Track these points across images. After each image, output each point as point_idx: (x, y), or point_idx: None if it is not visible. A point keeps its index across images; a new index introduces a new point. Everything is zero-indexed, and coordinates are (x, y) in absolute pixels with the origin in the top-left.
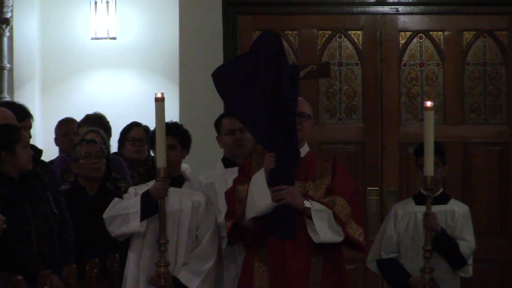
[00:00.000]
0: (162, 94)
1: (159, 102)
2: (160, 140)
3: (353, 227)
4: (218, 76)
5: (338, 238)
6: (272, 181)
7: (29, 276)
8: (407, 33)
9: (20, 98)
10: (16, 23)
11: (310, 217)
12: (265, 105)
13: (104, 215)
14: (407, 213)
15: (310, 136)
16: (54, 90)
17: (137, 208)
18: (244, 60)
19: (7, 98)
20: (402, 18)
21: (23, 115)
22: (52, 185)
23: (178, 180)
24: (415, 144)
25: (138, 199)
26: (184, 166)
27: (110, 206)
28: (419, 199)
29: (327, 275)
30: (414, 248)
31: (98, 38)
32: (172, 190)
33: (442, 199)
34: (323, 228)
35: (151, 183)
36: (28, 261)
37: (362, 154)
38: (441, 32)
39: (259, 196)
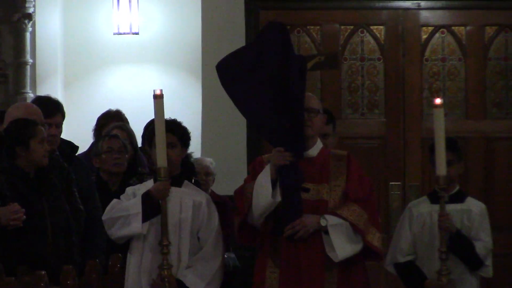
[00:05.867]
0: (161, 91)
1: (158, 99)
2: (160, 139)
3: (372, 233)
4: (223, 68)
5: (358, 248)
6: (279, 178)
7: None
8: (429, 28)
9: (42, 93)
10: (38, 18)
11: (327, 232)
12: (271, 99)
13: (104, 217)
14: (422, 214)
15: (320, 132)
16: (76, 85)
17: (138, 209)
18: (250, 51)
19: (29, 93)
20: (424, 13)
21: (50, 111)
22: (85, 182)
23: (178, 179)
24: None
25: (138, 199)
26: (208, 160)
27: (108, 207)
28: (434, 198)
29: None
30: (430, 249)
31: (120, 33)
32: (172, 190)
33: (458, 198)
34: (342, 243)
35: (148, 183)
36: (43, 256)
37: (384, 149)
38: (463, 27)
39: (262, 193)
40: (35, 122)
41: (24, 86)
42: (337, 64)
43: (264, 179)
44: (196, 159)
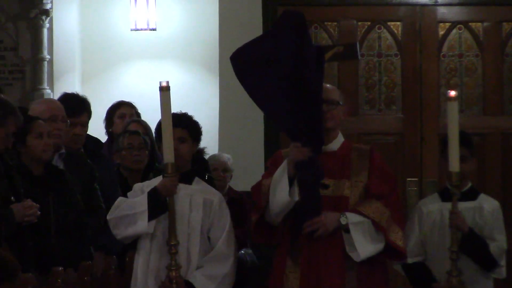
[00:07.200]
0: (167, 82)
1: (164, 91)
2: (167, 133)
3: (395, 231)
4: (237, 60)
5: (380, 247)
6: (297, 175)
7: (41, 269)
8: (446, 24)
9: (60, 89)
10: (56, 14)
11: (348, 231)
12: (287, 91)
13: (109, 217)
14: (432, 212)
15: (342, 124)
16: (93, 81)
17: (144, 207)
18: (265, 41)
19: (46, 89)
20: (441, 9)
21: (76, 110)
22: (108, 179)
23: (188, 176)
24: None
25: (145, 197)
26: (226, 156)
27: (114, 206)
28: (445, 195)
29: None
30: (441, 249)
31: (138, 29)
32: (181, 187)
33: (471, 195)
34: (363, 242)
35: (157, 180)
36: (46, 255)
37: (402, 145)
38: (480, 23)
39: (279, 191)
40: (32, 118)
41: (41, 82)
42: (356, 54)
43: (281, 176)
44: (214, 155)
